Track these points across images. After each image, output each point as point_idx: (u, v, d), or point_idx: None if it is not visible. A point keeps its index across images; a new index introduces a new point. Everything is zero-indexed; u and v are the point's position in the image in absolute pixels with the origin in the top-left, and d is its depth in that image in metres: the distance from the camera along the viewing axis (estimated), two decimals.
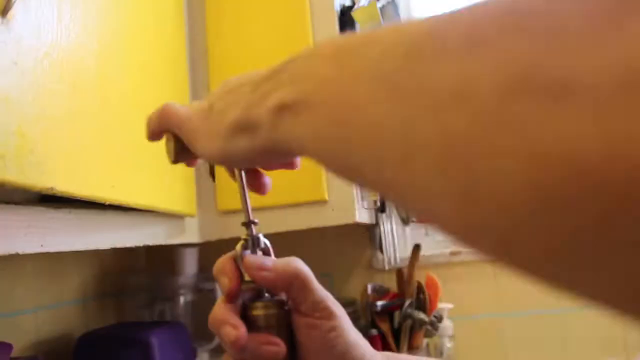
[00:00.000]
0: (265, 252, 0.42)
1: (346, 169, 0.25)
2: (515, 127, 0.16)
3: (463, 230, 0.19)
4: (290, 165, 0.40)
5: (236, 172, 0.42)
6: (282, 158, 0.35)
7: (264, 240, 0.42)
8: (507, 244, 0.18)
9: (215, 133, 0.34)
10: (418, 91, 0.19)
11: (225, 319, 0.38)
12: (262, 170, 0.44)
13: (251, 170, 0.43)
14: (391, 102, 0.20)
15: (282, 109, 0.27)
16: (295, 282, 0.39)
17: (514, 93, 0.16)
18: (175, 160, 0.40)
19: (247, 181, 0.43)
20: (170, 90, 0.95)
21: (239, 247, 0.42)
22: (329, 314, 0.40)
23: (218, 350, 1.32)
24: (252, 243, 0.41)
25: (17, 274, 1.02)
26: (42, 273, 1.08)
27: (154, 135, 0.42)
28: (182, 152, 0.40)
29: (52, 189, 0.52)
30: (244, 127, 0.31)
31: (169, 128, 0.39)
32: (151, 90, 0.84)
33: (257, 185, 0.43)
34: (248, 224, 0.42)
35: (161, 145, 0.43)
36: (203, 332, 1.33)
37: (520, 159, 0.16)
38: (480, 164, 0.17)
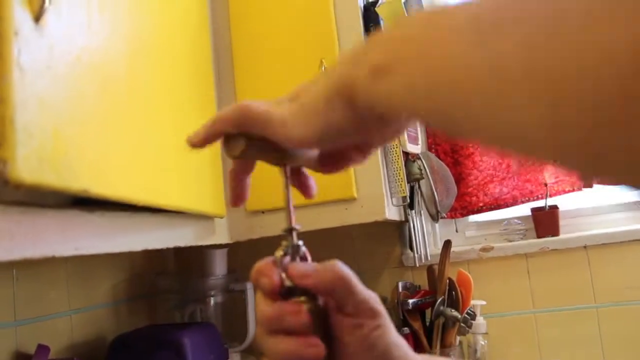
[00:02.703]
0: (303, 259, 0.41)
1: (442, 116, 0.26)
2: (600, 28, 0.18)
3: (553, 149, 0.21)
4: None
5: (282, 173, 0.42)
6: (380, 124, 0.34)
7: (304, 249, 0.42)
8: (597, 147, 0.19)
9: (313, 111, 0.34)
10: (508, 30, 0.21)
11: (264, 271, 0.40)
12: (307, 172, 0.43)
13: (296, 172, 0.43)
14: (481, 46, 0.22)
15: (377, 70, 0.29)
16: (337, 285, 0.39)
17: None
18: (239, 156, 0.40)
19: (293, 183, 0.42)
20: (196, 90, 0.95)
21: (278, 254, 0.41)
22: (373, 313, 0.39)
23: (249, 351, 1.32)
24: (293, 251, 0.41)
25: (51, 278, 1.03)
26: (74, 277, 1.09)
27: (214, 137, 0.41)
28: (247, 151, 0.40)
29: (86, 191, 0.53)
30: (341, 91, 0.32)
31: (250, 128, 0.39)
32: (178, 92, 0.84)
33: (303, 187, 0.43)
34: (290, 230, 0.42)
35: (186, 146, 0.43)
36: (234, 332, 1.34)
37: (606, 53, 0.17)
38: (568, 66, 0.19)
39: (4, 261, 0.49)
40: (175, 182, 0.78)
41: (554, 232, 1.39)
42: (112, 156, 0.59)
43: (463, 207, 1.46)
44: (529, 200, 1.44)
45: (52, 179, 0.47)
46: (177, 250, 1.54)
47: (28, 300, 0.96)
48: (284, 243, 0.41)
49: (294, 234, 0.42)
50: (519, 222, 1.44)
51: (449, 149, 1.48)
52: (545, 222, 1.40)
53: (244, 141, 0.39)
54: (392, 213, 1.10)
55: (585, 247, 1.36)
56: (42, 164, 0.46)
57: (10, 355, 0.90)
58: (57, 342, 1.01)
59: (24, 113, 0.44)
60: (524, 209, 1.46)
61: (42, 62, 0.48)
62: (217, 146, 0.41)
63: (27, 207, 0.54)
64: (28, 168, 0.44)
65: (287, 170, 0.42)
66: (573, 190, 1.41)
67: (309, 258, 0.42)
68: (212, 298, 1.28)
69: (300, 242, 0.42)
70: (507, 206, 1.45)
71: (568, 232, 1.41)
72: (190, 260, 1.51)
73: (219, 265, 1.30)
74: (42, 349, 0.91)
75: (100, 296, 1.18)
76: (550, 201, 1.41)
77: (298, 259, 0.41)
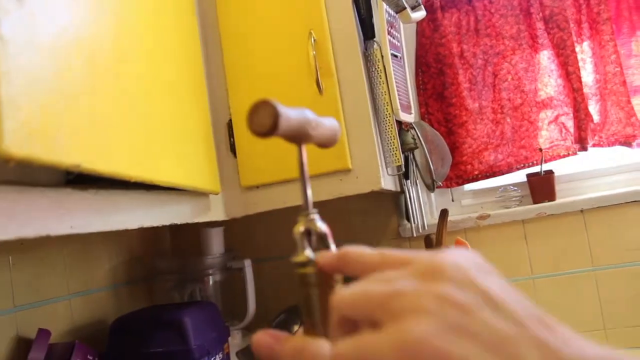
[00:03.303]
0: (324, 238, 0.40)
1: None
2: None
3: None
4: None
5: (298, 153, 0.41)
6: None
7: (324, 229, 0.40)
8: None
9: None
10: None
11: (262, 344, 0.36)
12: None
13: None
14: None
15: None
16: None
17: None
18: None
19: None
20: (185, 62, 0.93)
21: (298, 230, 0.39)
22: None
23: (250, 329, 1.32)
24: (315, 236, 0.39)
25: (48, 263, 1.02)
26: (72, 262, 1.08)
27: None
28: None
29: (78, 166, 0.51)
30: None
31: None
32: (166, 65, 0.83)
33: None
34: (308, 217, 0.40)
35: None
36: (234, 310, 1.34)
37: None
38: None
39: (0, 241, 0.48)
40: (168, 157, 0.77)
41: (550, 197, 1.39)
42: (103, 131, 0.58)
43: (458, 176, 1.46)
44: (524, 167, 1.44)
45: (42, 154, 0.46)
46: (173, 231, 1.53)
47: (26, 285, 0.96)
48: (303, 220, 0.40)
49: (316, 217, 0.40)
50: (515, 188, 1.44)
51: (442, 118, 1.48)
52: (541, 187, 1.40)
53: None
54: (387, 183, 1.09)
55: (581, 211, 1.36)
56: (32, 138, 0.45)
57: (11, 341, 0.89)
58: (58, 326, 1.00)
59: (9, 85, 0.43)
60: (519, 176, 1.46)
61: (24, 34, 0.46)
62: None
63: (22, 186, 0.53)
64: (17, 142, 0.43)
65: (303, 149, 0.41)
66: (568, 155, 1.41)
67: (330, 236, 0.40)
68: (210, 277, 1.28)
69: (322, 225, 0.40)
70: (503, 173, 1.45)
71: (564, 197, 1.42)
72: (187, 240, 1.51)
73: (216, 244, 1.29)
74: (43, 333, 0.91)
75: (99, 279, 1.17)
76: (546, 166, 1.41)
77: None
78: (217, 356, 1.06)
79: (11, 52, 0.44)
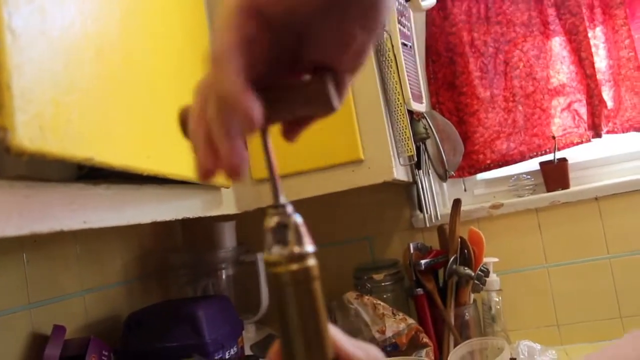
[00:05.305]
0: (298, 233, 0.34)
1: None
2: None
3: None
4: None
5: (261, 137, 0.37)
6: None
7: (297, 222, 0.35)
8: None
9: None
10: None
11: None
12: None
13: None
14: None
15: None
16: None
17: None
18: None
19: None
20: (194, 53, 0.93)
21: (269, 224, 0.35)
22: None
23: (264, 322, 1.32)
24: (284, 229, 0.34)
25: (62, 260, 1.02)
26: (85, 258, 1.09)
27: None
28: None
29: (90, 159, 0.51)
30: None
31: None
32: (175, 56, 0.82)
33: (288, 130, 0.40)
34: (278, 207, 0.35)
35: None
36: (247, 304, 1.34)
37: None
38: None
39: (13, 236, 0.47)
40: (179, 150, 0.77)
41: (564, 185, 1.38)
42: (114, 124, 0.58)
43: (470, 165, 1.45)
44: (537, 155, 1.42)
45: (54, 147, 0.46)
46: (186, 226, 1.53)
47: (41, 282, 0.96)
48: (274, 213, 0.35)
49: (289, 209, 0.35)
50: (528, 177, 1.43)
51: (453, 107, 1.46)
52: (555, 175, 1.38)
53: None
54: (400, 173, 1.08)
55: (596, 198, 1.34)
56: (44, 132, 0.44)
57: (27, 337, 0.90)
58: (72, 322, 1.01)
59: (20, 79, 0.43)
60: (532, 164, 1.44)
61: (35, 26, 0.46)
62: None
63: (34, 182, 0.52)
64: (29, 135, 0.42)
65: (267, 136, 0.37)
66: (582, 142, 1.39)
67: (303, 229, 0.35)
68: (223, 271, 1.28)
69: (293, 217, 0.35)
70: (515, 162, 1.43)
71: (578, 185, 1.40)
72: (199, 234, 1.51)
73: (229, 238, 1.29)
74: (59, 329, 0.91)
75: (112, 275, 1.17)
76: (559, 154, 1.39)
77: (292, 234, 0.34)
78: (231, 350, 1.06)
79: (23, 45, 0.43)
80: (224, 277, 1.28)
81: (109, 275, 1.16)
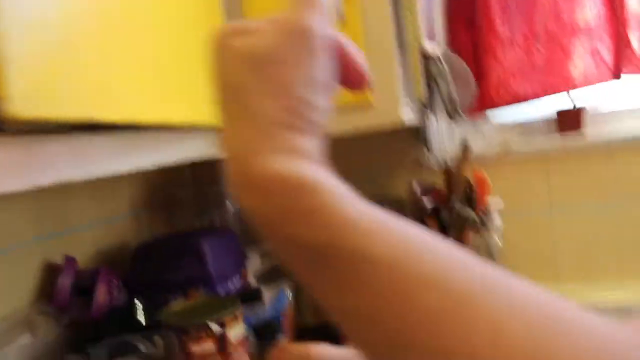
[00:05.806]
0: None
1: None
2: None
3: None
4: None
5: None
6: None
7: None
8: None
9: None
10: None
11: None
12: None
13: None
14: None
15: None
16: None
17: None
18: None
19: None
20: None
21: None
22: None
23: (267, 254, 1.36)
24: None
25: (70, 193, 1.04)
26: (94, 191, 1.10)
27: None
28: None
29: (91, 119, 0.50)
30: None
31: None
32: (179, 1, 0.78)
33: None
34: None
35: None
36: (252, 236, 1.36)
37: None
38: None
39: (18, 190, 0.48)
40: (182, 97, 0.75)
41: (578, 132, 1.35)
42: (114, 79, 0.56)
43: (483, 104, 1.41)
44: (553, 94, 1.38)
45: (52, 111, 0.45)
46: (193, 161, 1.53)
47: (51, 215, 0.98)
48: None
49: None
50: (541, 122, 1.40)
51: (469, 45, 1.40)
52: (570, 122, 1.35)
53: None
54: (409, 115, 1.06)
55: (609, 147, 1.32)
56: (40, 96, 0.43)
57: (38, 268, 0.93)
58: (82, 253, 1.04)
59: (10, 40, 0.41)
60: (548, 111, 1.40)
61: None
62: None
63: (34, 135, 0.52)
64: (24, 102, 0.41)
65: None
66: (601, 81, 1.34)
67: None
68: (229, 204, 1.29)
69: None
70: (530, 99, 1.39)
71: (592, 134, 1.37)
72: (205, 168, 1.52)
73: None
74: (70, 260, 0.94)
75: (120, 207, 1.19)
76: (577, 102, 1.35)
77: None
78: (235, 281, 1.10)
79: (9, 1, 0.41)
80: (229, 209, 1.30)
81: (116, 207, 1.18)
